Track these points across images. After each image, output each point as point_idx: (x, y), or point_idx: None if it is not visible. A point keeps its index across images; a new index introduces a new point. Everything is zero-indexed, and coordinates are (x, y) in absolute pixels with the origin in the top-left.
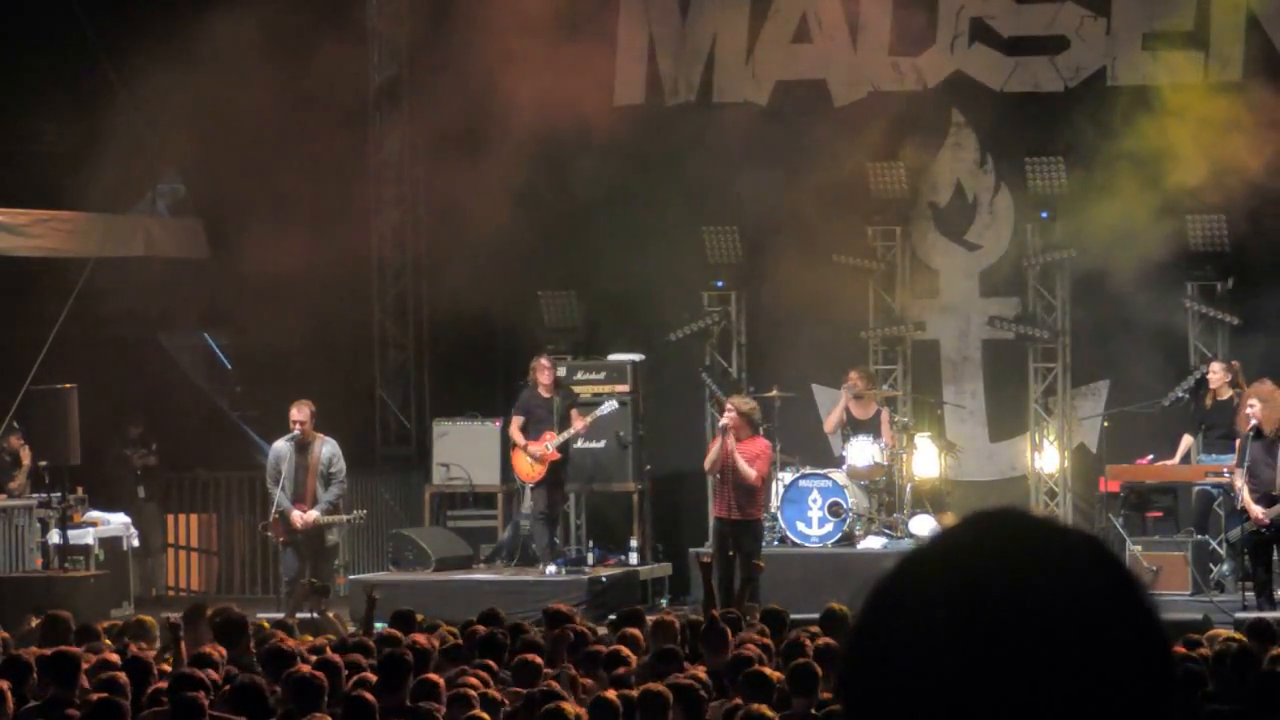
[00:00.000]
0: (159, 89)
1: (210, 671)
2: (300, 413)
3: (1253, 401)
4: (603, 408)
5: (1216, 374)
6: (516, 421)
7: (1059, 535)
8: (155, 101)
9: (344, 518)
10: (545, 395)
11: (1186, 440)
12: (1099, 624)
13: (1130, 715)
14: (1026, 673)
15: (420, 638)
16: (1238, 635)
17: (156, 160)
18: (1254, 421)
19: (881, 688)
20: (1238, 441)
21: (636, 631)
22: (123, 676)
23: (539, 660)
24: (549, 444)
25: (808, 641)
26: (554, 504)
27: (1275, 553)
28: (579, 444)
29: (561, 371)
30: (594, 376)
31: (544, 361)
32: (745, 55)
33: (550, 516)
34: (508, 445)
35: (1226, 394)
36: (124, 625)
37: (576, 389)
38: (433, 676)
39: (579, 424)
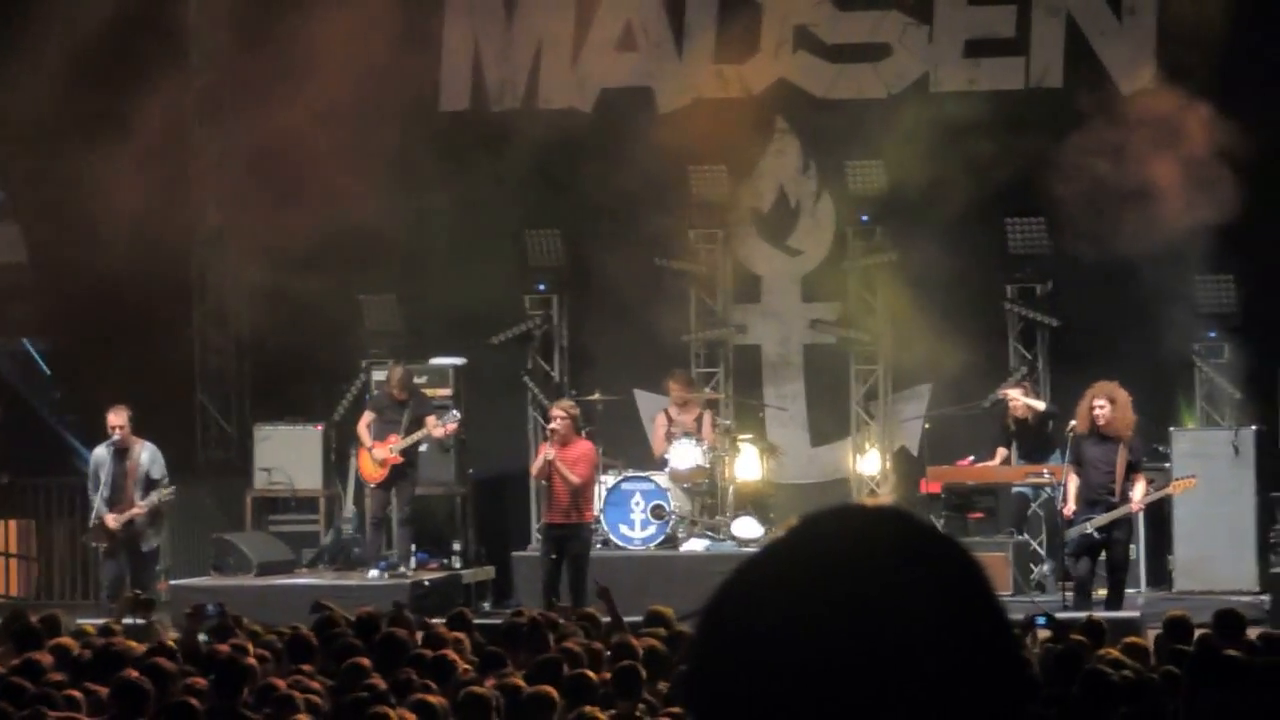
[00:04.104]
0: None
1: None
2: (118, 418)
3: (1101, 402)
4: (449, 416)
5: (1015, 400)
6: (365, 419)
7: (882, 525)
8: None
9: (155, 498)
10: (399, 398)
11: (1001, 452)
12: (932, 618)
13: (975, 709)
14: (857, 675)
15: (225, 646)
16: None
17: None
18: (1099, 423)
19: (723, 700)
20: (1071, 436)
21: (463, 635)
22: None
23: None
24: (392, 447)
25: (635, 644)
26: (394, 506)
27: (1102, 555)
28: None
29: (381, 375)
30: (416, 380)
31: (396, 370)
32: (570, 62)
33: (382, 520)
34: (328, 450)
35: (1024, 414)
36: None
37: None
38: (276, 682)
39: (438, 430)
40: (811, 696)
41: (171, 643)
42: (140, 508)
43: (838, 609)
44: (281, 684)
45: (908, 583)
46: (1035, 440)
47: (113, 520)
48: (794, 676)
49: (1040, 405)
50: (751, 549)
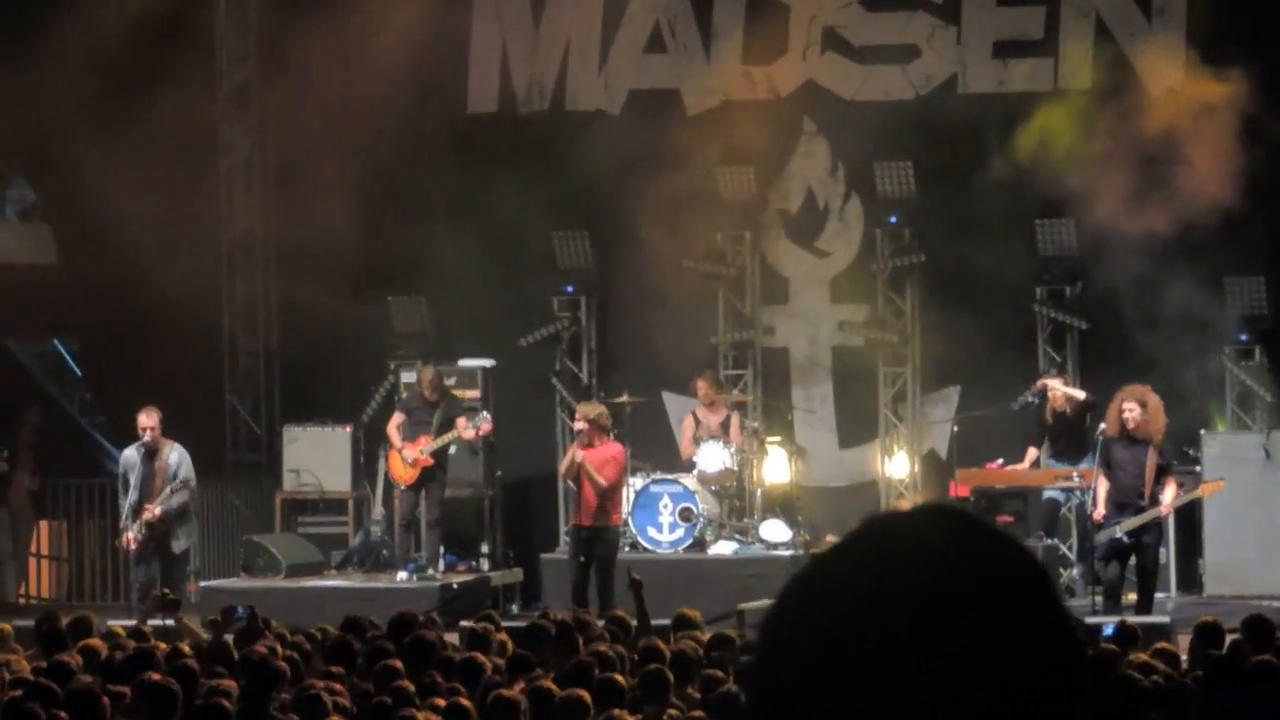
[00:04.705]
0: (5, 93)
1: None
2: (149, 419)
3: (1131, 405)
4: (480, 418)
5: (1056, 389)
6: (395, 420)
7: (942, 524)
8: (1, 106)
9: (171, 501)
10: (429, 400)
11: (1031, 452)
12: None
13: (1035, 703)
14: (920, 677)
15: (259, 648)
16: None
17: (4, 165)
18: (1129, 426)
19: (787, 702)
20: (1100, 440)
21: (506, 637)
22: None
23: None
24: (423, 449)
25: (662, 647)
26: (423, 508)
27: (1132, 559)
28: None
29: (410, 377)
30: (445, 382)
31: (426, 371)
32: (598, 64)
33: (412, 522)
34: (357, 451)
35: (1063, 406)
36: None
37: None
38: (313, 683)
39: (469, 432)
40: (876, 698)
41: (187, 647)
42: (151, 509)
43: (902, 610)
44: (315, 685)
45: (970, 580)
46: (1070, 435)
47: (129, 540)
48: (858, 678)
49: (1080, 394)
50: (779, 552)
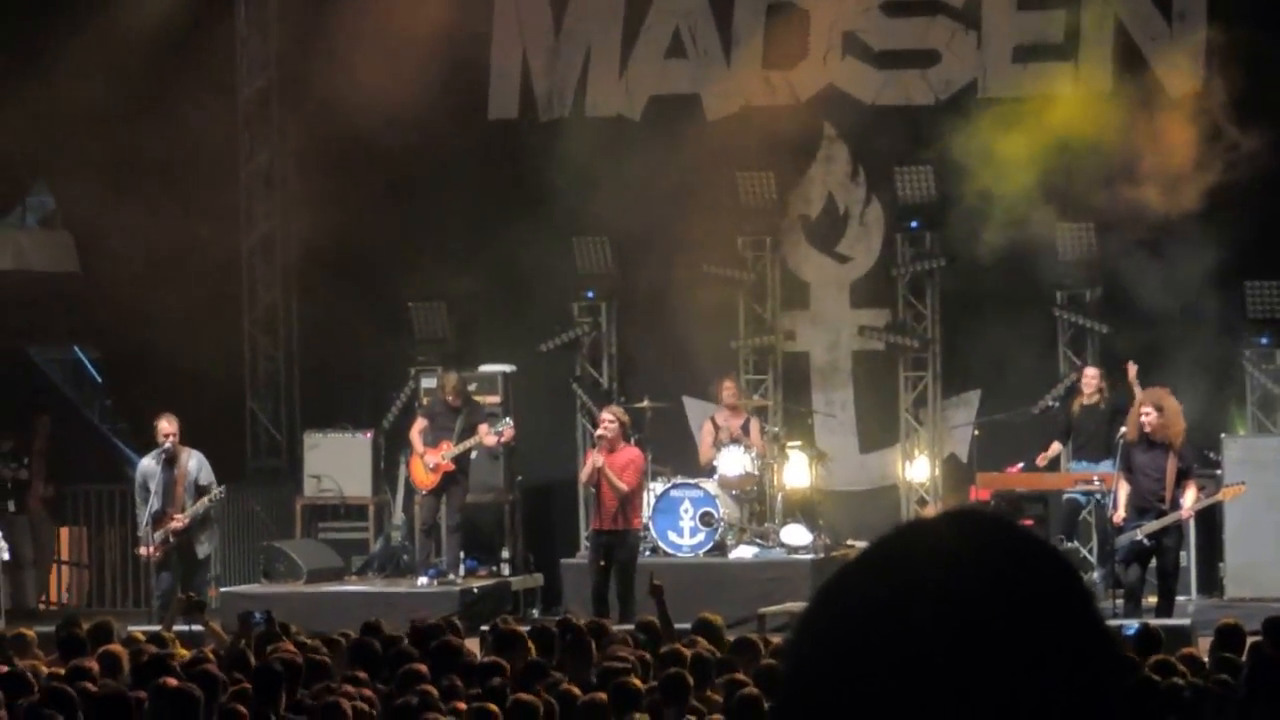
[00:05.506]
0: (27, 100)
1: (87, 684)
2: (170, 425)
3: (1148, 409)
4: (502, 424)
5: (1090, 379)
6: (418, 425)
7: (980, 529)
8: (23, 113)
9: (200, 506)
10: (452, 405)
11: (1055, 447)
12: (1027, 626)
13: (1066, 706)
14: (953, 682)
15: (290, 648)
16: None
17: (26, 172)
18: (1146, 429)
19: (819, 702)
20: (1120, 443)
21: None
22: None
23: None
24: (445, 454)
25: (684, 651)
26: (444, 514)
27: (1152, 562)
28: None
29: (431, 383)
30: (467, 388)
31: (450, 377)
32: (619, 70)
33: (433, 527)
34: (378, 457)
35: (1095, 399)
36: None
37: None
38: (327, 687)
39: (490, 438)
40: (901, 704)
41: (211, 651)
42: (181, 519)
43: (926, 614)
44: (330, 689)
45: (996, 584)
46: (1093, 432)
47: (147, 552)
48: (882, 684)
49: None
50: (800, 556)
